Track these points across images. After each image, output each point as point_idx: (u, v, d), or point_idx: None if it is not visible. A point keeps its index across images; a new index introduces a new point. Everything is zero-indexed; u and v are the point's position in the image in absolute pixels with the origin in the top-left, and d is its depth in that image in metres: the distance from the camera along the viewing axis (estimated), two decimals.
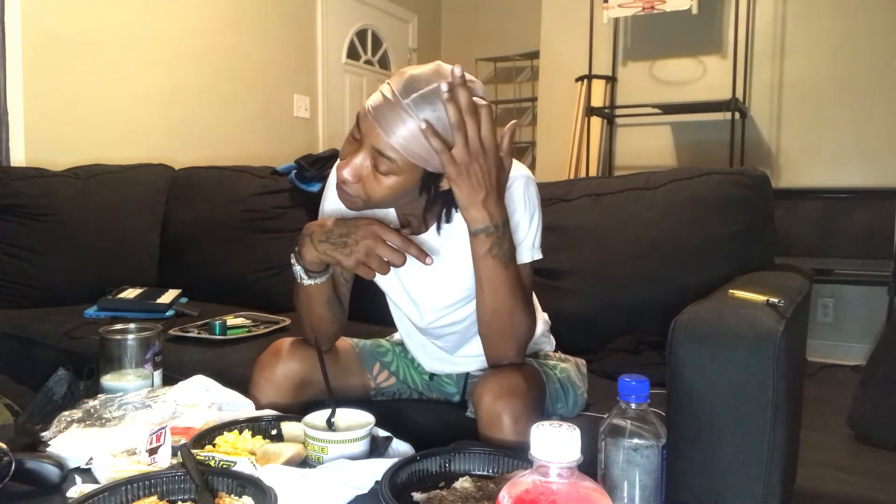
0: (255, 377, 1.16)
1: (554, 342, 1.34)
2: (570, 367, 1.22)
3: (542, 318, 1.31)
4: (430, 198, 1.02)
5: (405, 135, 0.91)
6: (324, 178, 2.20)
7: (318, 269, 1.08)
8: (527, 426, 0.95)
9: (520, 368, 1.05)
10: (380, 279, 1.19)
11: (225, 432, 0.94)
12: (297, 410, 1.07)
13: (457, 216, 1.09)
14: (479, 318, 1.05)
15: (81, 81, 2.69)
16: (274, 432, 0.97)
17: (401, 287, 1.17)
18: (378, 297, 1.25)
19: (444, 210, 1.07)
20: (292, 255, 1.08)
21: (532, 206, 1.08)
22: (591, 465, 0.67)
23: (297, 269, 1.08)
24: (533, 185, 1.08)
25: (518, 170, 1.08)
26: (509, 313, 1.02)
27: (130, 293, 2.09)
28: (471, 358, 1.23)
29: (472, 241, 0.99)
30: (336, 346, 1.25)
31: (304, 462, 0.89)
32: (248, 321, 1.88)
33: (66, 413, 0.99)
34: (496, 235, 0.97)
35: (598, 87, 3.85)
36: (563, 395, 1.16)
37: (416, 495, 0.78)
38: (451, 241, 1.11)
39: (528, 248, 1.08)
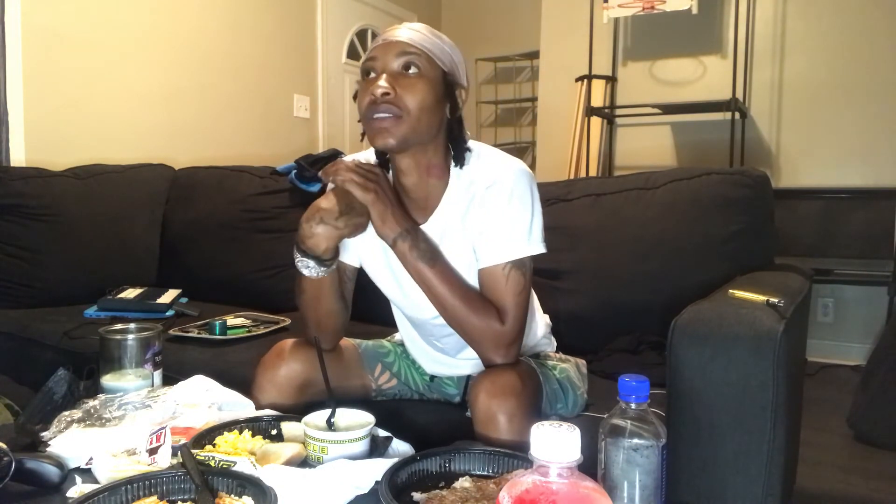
0: (258, 378, 1.16)
1: (555, 343, 1.34)
2: (569, 368, 1.22)
3: (543, 321, 1.31)
4: (452, 119, 1.08)
5: (423, 40, 1.05)
6: None
7: (332, 254, 1.07)
8: (522, 425, 0.96)
9: (515, 367, 1.06)
10: (376, 276, 1.20)
11: (225, 432, 0.94)
12: (298, 411, 1.07)
13: (449, 199, 1.11)
14: (450, 326, 1.10)
15: (81, 81, 2.68)
16: (274, 432, 0.97)
17: (395, 283, 1.17)
18: (379, 297, 1.25)
19: (455, 154, 1.11)
20: (297, 252, 1.07)
21: (524, 198, 1.07)
22: (591, 465, 0.67)
23: (309, 261, 1.06)
24: (526, 177, 1.09)
25: (512, 163, 1.10)
26: (457, 313, 1.06)
27: (130, 293, 2.09)
28: (472, 361, 1.23)
29: (396, 254, 1.07)
30: (339, 346, 1.25)
31: (304, 462, 0.89)
32: (248, 321, 1.88)
33: (66, 413, 0.99)
34: (410, 239, 1.05)
35: (598, 87, 3.85)
36: (563, 396, 1.16)
37: (416, 495, 0.78)
38: (446, 237, 1.11)
39: (524, 241, 1.07)
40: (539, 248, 1.10)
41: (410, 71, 1.04)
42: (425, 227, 1.12)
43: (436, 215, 1.12)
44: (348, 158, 1.18)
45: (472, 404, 1.01)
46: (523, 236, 1.07)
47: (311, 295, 1.14)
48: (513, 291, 1.06)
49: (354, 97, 1.08)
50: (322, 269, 1.07)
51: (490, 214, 1.07)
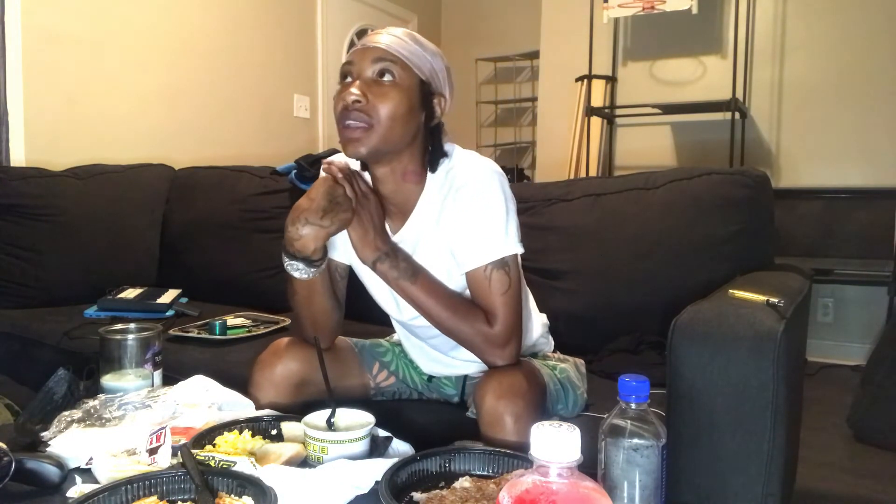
0: (255, 377, 1.16)
1: (552, 343, 1.34)
2: (569, 368, 1.22)
3: (540, 321, 1.31)
4: (427, 127, 1.09)
5: (401, 47, 1.04)
6: None
7: (321, 254, 1.07)
8: (528, 425, 0.95)
9: (520, 368, 1.05)
10: (361, 274, 1.20)
11: (225, 432, 0.94)
12: (296, 410, 1.07)
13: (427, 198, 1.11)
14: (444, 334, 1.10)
15: (81, 81, 2.68)
16: (274, 432, 0.98)
17: (383, 285, 1.16)
18: None
19: (431, 159, 1.11)
20: (285, 256, 1.06)
21: (496, 199, 1.07)
22: (591, 465, 0.67)
23: (298, 264, 1.05)
24: (497, 177, 1.09)
25: (482, 165, 1.10)
26: (446, 323, 1.06)
27: (130, 293, 2.09)
28: (468, 361, 1.23)
29: (377, 274, 1.08)
30: (335, 345, 1.25)
31: (304, 462, 0.89)
32: (248, 321, 1.89)
33: (66, 413, 0.99)
34: (390, 260, 1.06)
35: (598, 87, 3.85)
36: (563, 396, 1.16)
37: (416, 495, 0.78)
38: (422, 241, 1.12)
39: (500, 242, 1.06)
40: (516, 248, 1.09)
41: (385, 78, 1.03)
42: (402, 232, 1.12)
43: (412, 219, 1.12)
44: (341, 159, 1.18)
45: (477, 405, 1.01)
46: (499, 237, 1.06)
47: (304, 296, 1.14)
48: (498, 292, 1.06)
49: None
50: (312, 269, 1.06)
51: (464, 218, 1.07)
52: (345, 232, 1.09)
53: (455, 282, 1.11)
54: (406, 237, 1.12)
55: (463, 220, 1.07)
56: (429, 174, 1.11)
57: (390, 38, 1.05)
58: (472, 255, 1.07)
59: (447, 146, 1.12)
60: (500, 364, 1.06)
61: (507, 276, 1.06)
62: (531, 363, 1.14)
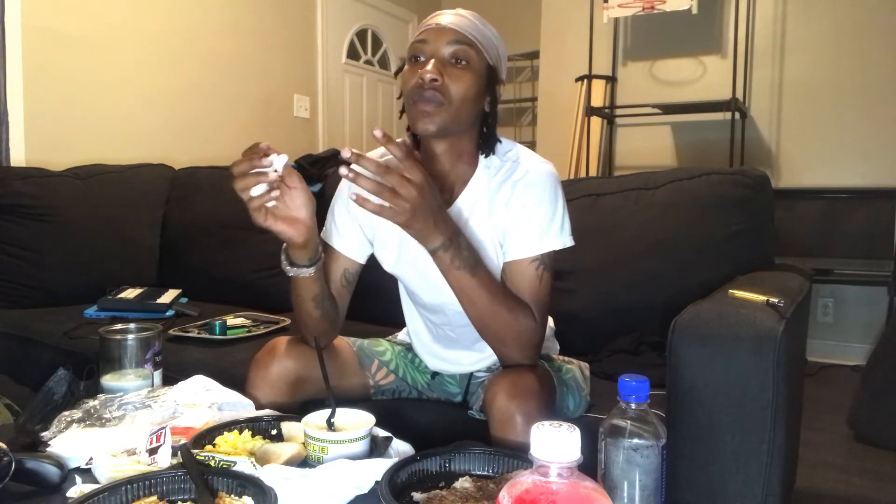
0: (251, 375, 1.16)
1: (558, 345, 1.34)
2: (574, 369, 1.22)
3: (549, 323, 1.31)
4: (487, 112, 1.11)
5: (475, 31, 1.06)
6: (324, 178, 2.20)
7: (302, 260, 1.06)
8: None
9: (532, 369, 1.06)
10: (392, 263, 1.19)
11: (225, 432, 0.94)
12: (293, 408, 1.07)
13: (473, 185, 1.12)
14: (475, 328, 1.08)
15: (81, 81, 2.69)
16: (274, 432, 0.97)
17: (414, 270, 1.16)
18: (379, 297, 1.25)
19: (484, 143, 1.13)
20: (283, 251, 1.07)
21: (556, 192, 1.10)
22: (591, 465, 0.67)
23: (282, 259, 1.07)
24: (555, 174, 1.12)
25: (539, 162, 1.13)
26: (493, 318, 1.04)
27: (130, 293, 2.09)
28: (478, 355, 1.23)
29: (434, 260, 1.01)
30: (334, 344, 1.24)
31: (304, 462, 0.89)
32: (248, 321, 1.89)
33: (66, 413, 0.99)
34: (454, 247, 1.00)
35: (598, 87, 3.85)
36: (569, 398, 1.16)
37: (416, 495, 0.78)
38: (472, 218, 1.12)
39: (556, 234, 1.09)
40: (570, 240, 1.11)
41: (460, 61, 1.05)
42: (453, 208, 1.13)
43: (462, 199, 1.13)
44: (376, 153, 1.13)
45: (488, 404, 1.01)
46: (556, 229, 1.09)
47: (293, 295, 1.13)
48: (544, 291, 1.08)
49: (396, 74, 1.10)
50: (291, 269, 1.07)
51: (523, 207, 1.09)
52: (366, 228, 1.10)
53: (497, 261, 1.13)
54: (457, 211, 1.13)
55: (522, 210, 1.09)
56: (481, 158, 1.13)
57: (464, 20, 1.07)
58: (526, 244, 1.08)
59: (506, 140, 1.16)
60: (526, 362, 1.06)
61: (551, 279, 1.09)
62: (542, 364, 1.14)
